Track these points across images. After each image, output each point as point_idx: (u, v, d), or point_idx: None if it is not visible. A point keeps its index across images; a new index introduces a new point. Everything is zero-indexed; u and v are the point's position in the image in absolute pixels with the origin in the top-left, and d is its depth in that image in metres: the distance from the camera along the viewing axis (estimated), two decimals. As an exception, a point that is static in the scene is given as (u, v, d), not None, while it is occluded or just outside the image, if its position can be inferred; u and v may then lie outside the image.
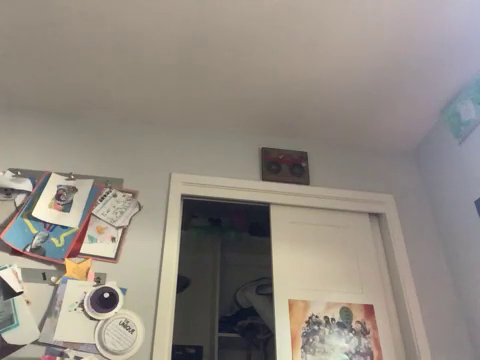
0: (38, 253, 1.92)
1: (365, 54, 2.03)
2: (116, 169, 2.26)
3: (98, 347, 1.75)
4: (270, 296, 2.15)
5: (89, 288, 1.87)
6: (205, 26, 1.89)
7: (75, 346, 1.74)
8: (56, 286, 1.86)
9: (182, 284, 2.97)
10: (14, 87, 2.26)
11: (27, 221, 1.99)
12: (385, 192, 2.48)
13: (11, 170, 2.14)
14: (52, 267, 1.91)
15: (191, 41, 1.97)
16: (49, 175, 2.16)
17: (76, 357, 1.71)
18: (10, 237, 1.93)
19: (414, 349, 2.02)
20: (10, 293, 1.79)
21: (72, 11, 1.83)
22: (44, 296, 1.83)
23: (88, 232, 2.03)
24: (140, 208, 2.15)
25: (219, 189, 2.29)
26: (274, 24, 1.88)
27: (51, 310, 1.80)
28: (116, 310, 1.84)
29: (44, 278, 1.87)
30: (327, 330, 2.02)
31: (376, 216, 2.46)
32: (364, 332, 2.05)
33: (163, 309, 1.89)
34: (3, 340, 1.69)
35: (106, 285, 1.89)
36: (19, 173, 2.13)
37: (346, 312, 2.08)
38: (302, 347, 1.96)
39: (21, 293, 1.80)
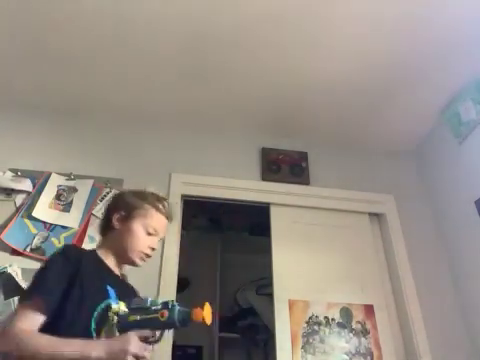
0: (38, 253, 1.92)
1: (365, 55, 2.03)
2: (116, 169, 2.26)
3: (98, 347, 1.74)
4: (270, 296, 2.15)
5: (89, 288, 1.86)
6: (205, 26, 1.89)
7: (75, 346, 1.73)
8: (56, 286, 1.85)
9: (182, 284, 2.97)
10: (15, 87, 2.26)
11: (27, 221, 1.99)
12: (385, 192, 2.47)
13: (11, 170, 2.13)
14: (52, 267, 1.91)
15: (191, 42, 1.97)
16: (49, 175, 2.16)
17: (76, 357, 1.71)
18: (10, 237, 1.93)
19: (414, 349, 2.02)
20: (10, 293, 1.78)
21: (73, 12, 1.83)
22: (44, 296, 1.83)
23: (88, 232, 2.03)
24: (140, 208, 2.14)
25: (219, 189, 2.29)
26: (275, 24, 1.88)
27: (51, 310, 1.79)
28: (116, 310, 1.84)
29: (44, 278, 1.87)
30: (327, 330, 2.02)
31: (376, 216, 2.46)
32: (364, 332, 2.05)
33: (163, 309, 1.88)
34: (3, 340, 1.69)
35: (106, 285, 1.89)
36: (19, 173, 2.13)
37: (346, 312, 2.08)
38: (302, 347, 1.96)
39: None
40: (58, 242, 1.96)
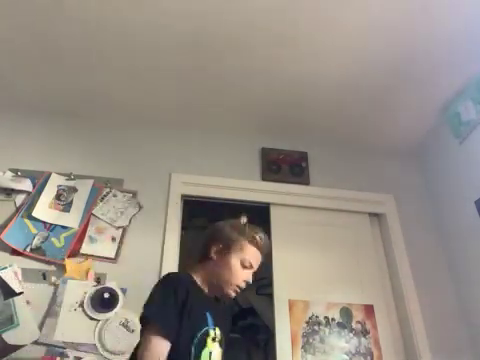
0: (38, 253, 1.92)
1: (365, 55, 2.03)
2: (116, 169, 2.26)
3: (98, 347, 1.75)
4: (270, 296, 2.15)
5: (89, 288, 1.87)
6: (205, 28, 1.89)
7: (75, 346, 1.74)
8: (56, 286, 1.86)
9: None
10: (15, 87, 2.26)
11: (27, 221, 1.99)
12: (385, 192, 2.47)
13: (11, 170, 2.14)
14: (52, 267, 1.91)
15: (191, 42, 1.97)
16: (49, 175, 2.16)
17: (76, 357, 1.71)
18: (10, 237, 1.93)
19: (414, 349, 2.02)
20: (10, 293, 1.79)
21: (74, 14, 1.83)
22: (44, 296, 1.83)
23: (88, 232, 2.03)
24: (140, 208, 2.14)
25: (219, 189, 2.29)
26: (274, 26, 1.87)
27: (51, 310, 1.80)
28: (116, 310, 1.84)
29: (44, 278, 1.87)
30: (327, 330, 2.02)
31: (376, 216, 2.46)
32: (364, 332, 2.05)
33: (163, 309, 1.88)
34: (3, 340, 1.69)
35: (106, 285, 1.89)
36: (19, 173, 2.13)
37: (346, 312, 2.08)
38: (302, 347, 1.96)
39: (21, 293, 1.80)
40: (58, 242, 1.96)
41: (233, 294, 1.30)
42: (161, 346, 1.08)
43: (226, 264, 1.30)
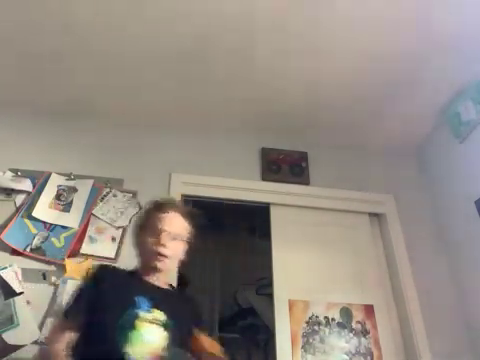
0: (38, 253, 1.92)
1: (365, 55, 2.03)
2: (116, 169, 2.25)
3: (98, 347, 1.74)
4: (270, 296, 2.15)
5: (89, 288, 1.86)
6: (205, 27, 1.89)
7: (75, 346, 1.73)
8: (56, 286, 1.86)
9: (182, 284, 2.96)
10: (15, 88, 2.26)
11: (27, 221, 1.99)
12: (385, 192, 2.47)
13: (11, 170, 2.13)
14: (52, 267, 1.91)
15: (191, 42, 1.97)
16: (49, 175, 2.16)
17: (76, 357, 1.71)
18: (10, 237, 1.93)
19: (414, 349, 2.02)
20: (10, 293, 1.79)
21: (73, 16, 1.83)
22: (44, 296, 1.83)
23: (88, 232, 2.03)
24: (140, 208, 2.14)
25: (219, 189, 2.29)
26: (275, 26, 1.87)
27: (51, 310, 1.80)
28: (116, 310, 1.83)
29: (44, 278, 1.87)
30: (327, 330, 2.02)
31: (376, 216, 2.46)
32: (364, 332, 2.05)
33: (163, 309, 1.88)
34: (3, 340, 1.69)
35: (106, 285, 1.89)
36: (19, 173, 2.13)
37: (346, 312, 2.08)
38: (302, 347, 1.96)
39: (21, 293, 1.80)
40: (58, 242, 1.96)
41: (158, 263, 1.30)
42: (59, 334, 1.19)
43: (140, 246, 1.37)
